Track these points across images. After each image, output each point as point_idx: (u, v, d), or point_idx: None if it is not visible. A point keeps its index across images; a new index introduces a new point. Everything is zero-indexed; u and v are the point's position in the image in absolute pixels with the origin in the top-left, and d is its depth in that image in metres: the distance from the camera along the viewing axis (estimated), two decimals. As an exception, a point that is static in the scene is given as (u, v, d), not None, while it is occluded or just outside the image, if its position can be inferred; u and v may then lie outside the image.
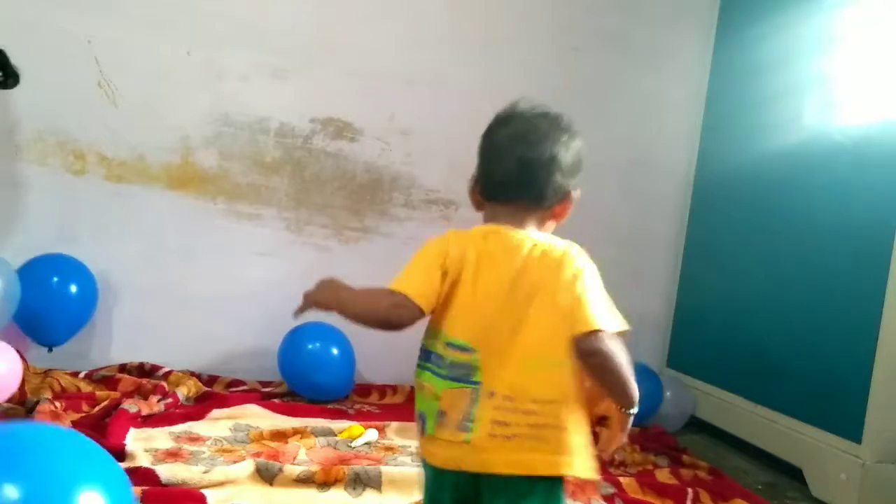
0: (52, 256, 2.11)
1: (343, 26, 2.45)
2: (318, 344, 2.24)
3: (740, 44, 2.58)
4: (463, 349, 0.96)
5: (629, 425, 1.01)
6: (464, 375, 0.95)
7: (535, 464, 0.93)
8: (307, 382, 2.24)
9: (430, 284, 0.98)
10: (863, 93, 2.03)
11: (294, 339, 2.24)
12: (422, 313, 0.98)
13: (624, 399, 0.99)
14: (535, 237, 1.02)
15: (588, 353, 0.94)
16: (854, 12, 2.09)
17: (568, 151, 1.05)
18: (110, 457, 0.94)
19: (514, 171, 1.03)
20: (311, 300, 1.14)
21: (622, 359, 0.95)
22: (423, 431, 0.98)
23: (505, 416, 0.93)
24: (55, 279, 2.07)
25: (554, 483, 0.96)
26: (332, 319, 2.30)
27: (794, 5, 2.31)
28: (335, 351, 2.26)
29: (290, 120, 2.42)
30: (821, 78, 2.18)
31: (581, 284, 0.97)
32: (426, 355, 1.01)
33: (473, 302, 0.98)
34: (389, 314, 0.99)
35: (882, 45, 1.98)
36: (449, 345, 0.97)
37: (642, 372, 2.38)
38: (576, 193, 1.07)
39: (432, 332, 1.01)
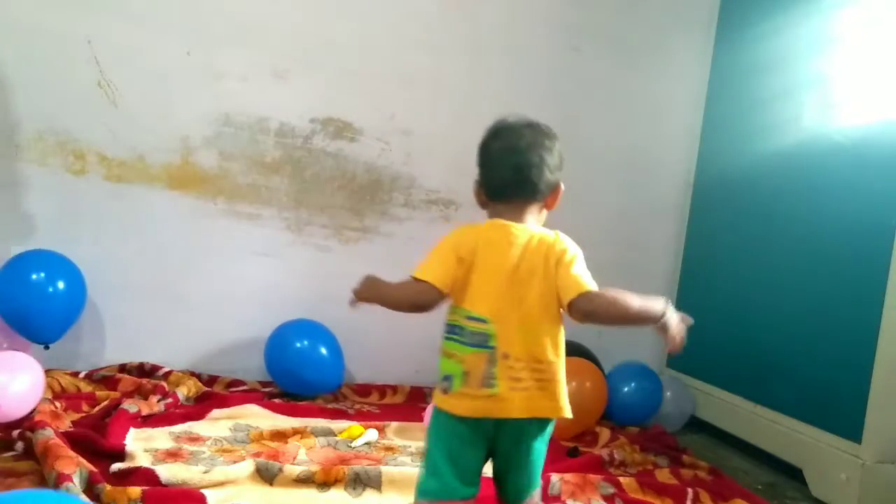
0: (33, 253, 2.07)
1: (343, 26, 2.45)
2: (305, 342, 2.24)
3: (740, 44, 2.58)
4: (480, 321, 1.18)
5: (676, 326, 1.20)
6: (482, 342, 1.17)
7: (542, 409, 1.18)
8: (295, 380, 2.24)
9: (446, 271, 1.20)
10: (862, 93, 2.03)
11: (280, 337, 2.26)
12: (442, 295, 1.21)
13: (648, 321, 1.19)
14: (532, 229, 1.24)
15: (585, 312, 1.17)
16: (854, 12, 2.09)
17: (552, 153, 1.27)
18: None
19: (510, 176, 1.25)
20: (358, 296, 1.35)
21: (620, 297, 1.18)
22: (447, 390, 1.18)
23: (518, 373, 1.16)
24: (40, 275, 2.01)
25: (550, 423, 1.22)
26: (318, 317, 2.33)
27: (793, 5, 2.31)
28: (323, 350, 2.26)
29: (290, 120, 2.42)
30: (820, 78, 2.18)
31: (570, 260, 1.21)
32: (451, 329, 1.21)
33: (486, 283, 1.19)
34: (418, 299, 1.23)
35: (881, 46, 1.98)
36: (469, 318, 1.19)
37: (642, 372, 2.39)
38: (562, 185, 1.31)
39: (455, 308, 1.22)
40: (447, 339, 1.22)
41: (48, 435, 1.57)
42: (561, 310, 1.20)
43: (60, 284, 2.04)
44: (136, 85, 2.27)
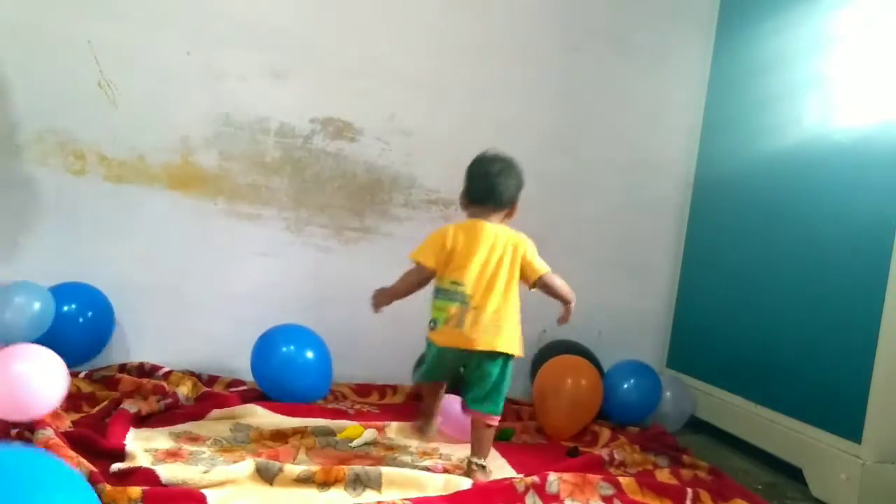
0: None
1: (343, 26, 2.45)
2: (291, 347, 2.17)
3: (740, 44, 2.58)
4: (458, 284, 1.72)
5: (572, 310, 1.86)
6: (460, 298, 1.71)
7: (496, 343, 1.70)
8: (281, 387, 2.17)
9: (435, 254, 1.76)
10: (863, 93, 2.03)
11: (266, 344, 2.19)
12: (433, 272, 1.77)
13: (565, 299, 1.85)
14: (497, 227, 1.79)
15: (543, 286, 1.81)
16: (854, 13, 2.09)
17: (512, 179, 1.82)
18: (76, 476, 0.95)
19: (486, 189, 1.79)
20: (377, 306, 1.87)
21: (559, 282, 1.84)
22: (433, 328, 1.75)
23: (480, 320, 1.70)
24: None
25: (507, 359, 1.74)
26: (318, 317, 2.32)
27: (793, 6, 2.31)
28: (309, 354, 2.19)
29: (290, 120, 2.42)
30: (820, 78, 2.18)
31: (529, 252, 1.79)
32: (438, 290, 1.76)
33: (464, 259, 1.73)
34: (419, 278, 1.80)
35: (882, 46, 1.98)
36: (452, 282, 1.73)
37: (640, 370, 2.39)
38: (518, 204, 1.84)
39: (441, 277, 1.76)
40: (436, 297, 1.76)
41: (48, 435, 1.57)
42: (522, 282, 1.78)
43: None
44: (136, 85, 2.27)
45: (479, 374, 1.73)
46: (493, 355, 1.71)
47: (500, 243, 1.75)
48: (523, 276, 1.78)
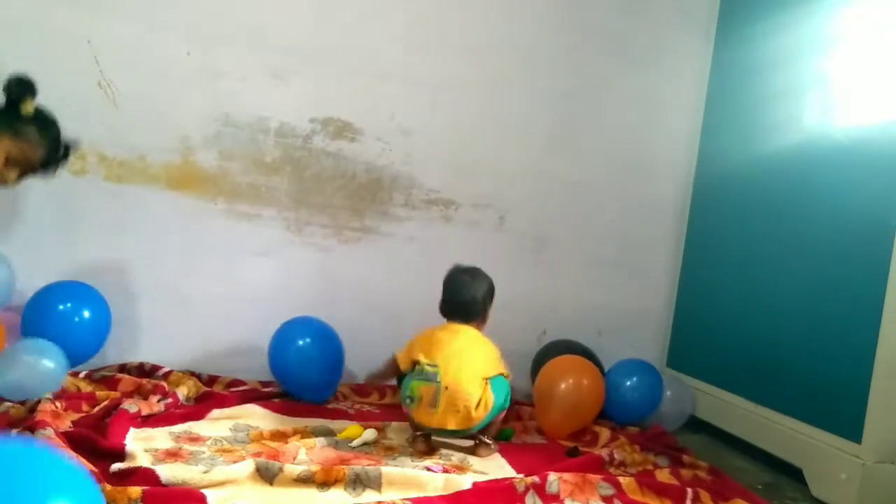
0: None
1: (343, 26, 2.45)
2: (307, 339, 2.21)
3: (740, 44, 2.58)
4: (432, 366, 1.90)
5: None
6: (433, 377, 1.89)
7: (466, 424, 1.89)
8: (299, 380, 2.21)
9: (407, 359, 1.97)
10: (863, 93, 2.03)
11: (283, 337, 2.23)
12: (403, 371, 1.98)
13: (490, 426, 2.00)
14: (468, 329, 2.01)
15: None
16: (854, 12, 2.09)
17: (483, 291, 2.05)
18: (79, 472, 0.95)
19: (455, 307, 2.03)
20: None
21: (496, 422, 2.01)
22: (409, 405, 1.94)
23: (452, 401, 1.87)
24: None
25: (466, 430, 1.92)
26: (318, 317, 2.33)
27: (794, 5, 2.31)
28: (324, 348, 2.23)
29: (290, 120, 2.42)
30: (821, 78, 2.18)
31: (490, 351, 1.98)
32: (414, 371, 1.94)
33: (438, 349, 1.93)
34: (396, 372, 2.03)
35: (882, 45, 1.98)
36: (427, 364, 1.91)
37: (641, 367, 2.39)
38: (490, 312, 2.08)
39: (419, 362, 1.93)
40: (413, 378, 1.92)
41: (48, 434, 1.57)
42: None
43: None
44: (136, 85, 2.27)
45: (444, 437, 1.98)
46: (458, 431, 1.91)
47: (470, 341, 1.97)
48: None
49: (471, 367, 1.89)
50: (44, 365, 1.87)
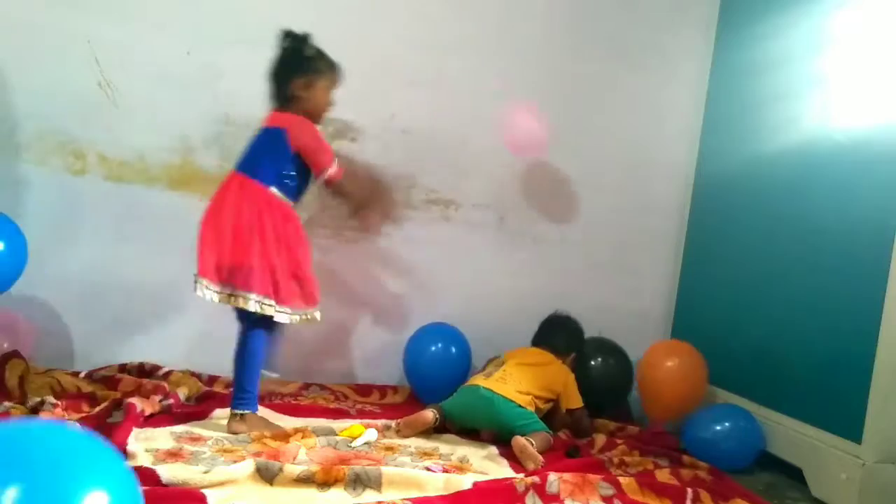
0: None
1: (343, 26, 2.45)
2: (439, 345, 2.38)
3: (740, 44, 2.58)
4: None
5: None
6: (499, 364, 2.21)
7: (501, 389, 2.09)
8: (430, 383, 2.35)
9: None
10: (863, 93, 2.03)
11: (418, 342, 2.42)
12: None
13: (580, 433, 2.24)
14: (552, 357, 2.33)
15: (572, 418, 2.25)
16: (854, 12, 2.09)
17: (565, 338, 2.40)
18: (117, 456, 0.94)
19: (541, 336, 2.42)
20: None
21: (585, 423, 2.26)
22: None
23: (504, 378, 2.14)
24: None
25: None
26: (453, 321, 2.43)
27: (794, 5, 2.31)
28: (454, 350, 2.40)
29: (290, 120, 2.41)
30: (821, 78, 2.18)
31: (570, 383, 2.27)
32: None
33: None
34: None
35: (883, 46, 1.98)
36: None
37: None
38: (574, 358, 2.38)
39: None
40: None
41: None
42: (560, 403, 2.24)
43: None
44: (136, 85, 2.28)
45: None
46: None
47: (543, 360, 2.26)
48: (561, 400, 2.21)
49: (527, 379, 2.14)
50: None
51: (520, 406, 2.06)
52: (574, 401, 2.22)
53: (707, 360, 2.32)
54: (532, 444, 1.92)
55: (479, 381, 2.13)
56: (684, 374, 2.28)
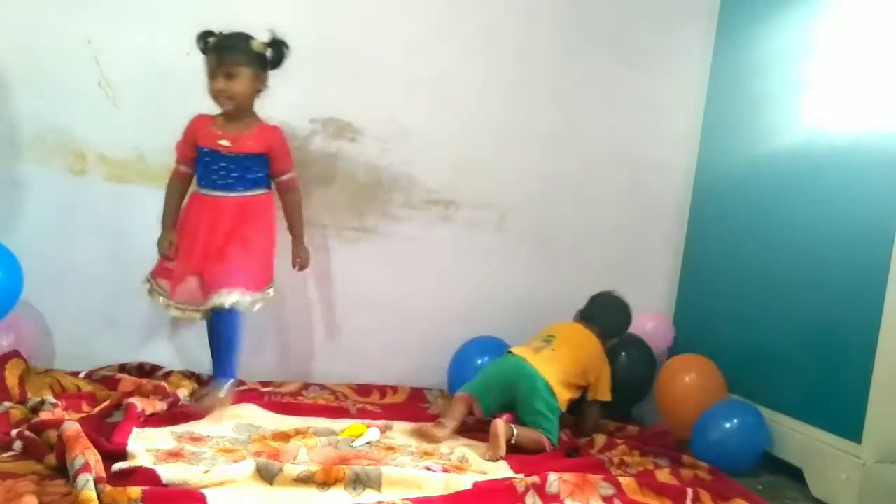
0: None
1: (343, 26, 2.45)
2: (486, 358, 2.33)
3: (740, 44, 2.58)
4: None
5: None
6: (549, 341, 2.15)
7: (535, 362, 2.08)
8: None
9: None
10: (863, 94, 2.03)
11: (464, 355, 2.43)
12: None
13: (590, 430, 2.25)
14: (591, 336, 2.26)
15: (588, 409, 2.26)
16: (854, 13, 2.09)
17: (613, 318, 2.34)
18: None
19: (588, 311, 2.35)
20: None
21: (593, 418, 2.25)
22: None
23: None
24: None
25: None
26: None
27: (794, 6, 2.31)
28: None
29: (290, 120, 2.41)
30: (821, 78, 2.18)
31: (604, 376, 2.24)
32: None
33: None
34: None
35: (883, 46, 1.98)
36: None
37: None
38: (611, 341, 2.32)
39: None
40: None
41: (76, 427, 1.57)
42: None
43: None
44: (136, 85, 2.27)
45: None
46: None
47: (588, 343, 2.20)
48: (588, 388, 2.16)
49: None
50: None
51: (554, 397, 2.02)
52: (603, 393, 2.18)
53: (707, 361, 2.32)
54: (512, 438, 1.91)
55: (526, 353, 2.08)
56: (703, 386, 2.22)
